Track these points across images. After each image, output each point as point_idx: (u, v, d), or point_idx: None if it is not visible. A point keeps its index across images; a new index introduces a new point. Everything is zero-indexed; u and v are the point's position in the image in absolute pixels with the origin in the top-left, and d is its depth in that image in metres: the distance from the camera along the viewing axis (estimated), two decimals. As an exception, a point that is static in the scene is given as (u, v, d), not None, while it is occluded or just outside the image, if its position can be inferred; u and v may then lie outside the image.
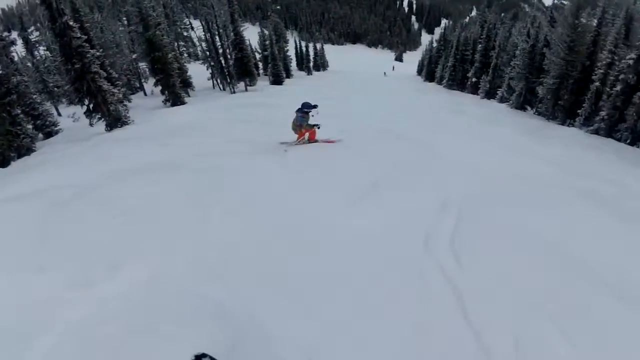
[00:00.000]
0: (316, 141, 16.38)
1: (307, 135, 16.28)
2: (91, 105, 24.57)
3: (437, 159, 14.98)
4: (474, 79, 47.95)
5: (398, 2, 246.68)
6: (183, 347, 5.10)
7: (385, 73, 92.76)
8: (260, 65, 65.40)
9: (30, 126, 23.59)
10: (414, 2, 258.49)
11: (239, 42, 45.00)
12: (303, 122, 15.60)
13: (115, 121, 24.89)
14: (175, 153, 15.62)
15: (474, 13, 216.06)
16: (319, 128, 15.93)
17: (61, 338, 5.69)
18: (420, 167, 13.62)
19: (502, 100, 39.56)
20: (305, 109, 15.58)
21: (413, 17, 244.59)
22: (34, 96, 27.69)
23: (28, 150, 20.95)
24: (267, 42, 59.05)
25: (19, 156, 20.27)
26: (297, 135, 16.25)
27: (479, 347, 5.62)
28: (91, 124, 25.54)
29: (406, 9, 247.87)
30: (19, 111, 21.64)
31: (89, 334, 5.68)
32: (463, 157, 15.52)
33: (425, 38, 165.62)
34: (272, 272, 7.14)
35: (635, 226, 10.12)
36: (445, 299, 6.55)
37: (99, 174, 13.29)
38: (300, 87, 51.09)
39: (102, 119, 24.96)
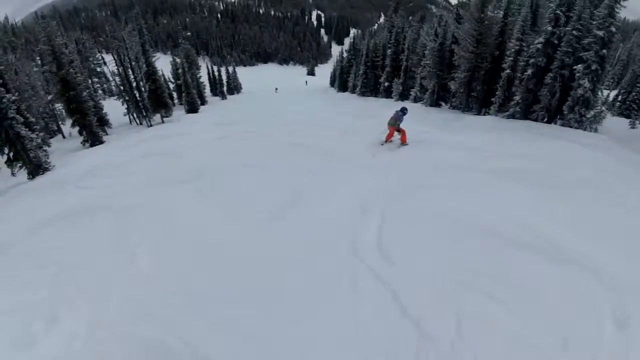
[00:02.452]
0: (407, 144, 18.43)
1: (395, 135, 18.72)
2: (11, 154, 23.96)
3: (348, 164, 15.47)
4: (386, 84, 48.32)
5: (306, 17, 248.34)
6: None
7: (276, 89, 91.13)
8: (175, 94, 64.73)
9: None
10: (322, 15, 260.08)
11: (151, 73, 44.82)
12: (399, 121, 18.21)
13: (36, 168, 24.31)
14: (95, 195, 15.53)
15: (382, 20, 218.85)
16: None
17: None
18: (332, 175, 14.07)
19: (416, 100, 40.15)
20: (405, 111, 18.49)
21: (322, 30, 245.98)
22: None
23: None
24: (180, 71, 57.73)
25: None
26: (385, 136, 18.93)
27: (421, 336, 5.93)
28: (13, 174, 24.79)
29: (315, 22, 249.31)
30: None
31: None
32: (375, 159, 16.16)
33: (336, 49, 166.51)
34: (201, 300, 7.35)
35: (547, 192, 10.95)
36: (381, 298, 6.85)
37: (22, 227, 13.05)
38: (215, 112, 50.87)
39: (24, 168, 24.33)
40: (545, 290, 6.58)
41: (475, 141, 18.51)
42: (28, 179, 23.97)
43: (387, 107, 33.13)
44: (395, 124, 18.17)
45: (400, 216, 9.90)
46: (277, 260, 8.40)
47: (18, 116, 23.62)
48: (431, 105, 36.30)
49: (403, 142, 18.42)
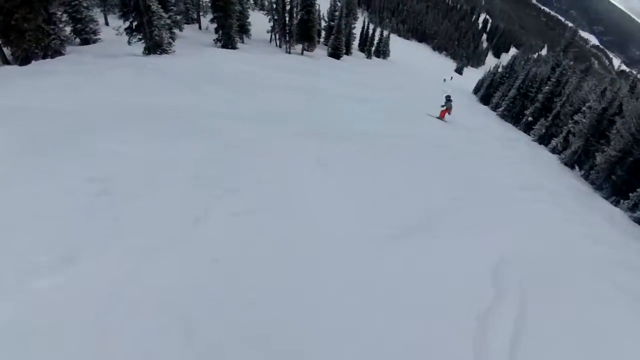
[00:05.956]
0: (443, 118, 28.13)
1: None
2: (134, 24, 23.88)
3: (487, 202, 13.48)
4: (530, 118, 46.35)
5: (474, 17, 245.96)
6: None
7: (445, 80, 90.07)
8: (323, 34, 65.65)
9: (68, 29, 23.24)
10: (490, 21, 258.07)
11: (308, 4, 44.85)
12: (448, 105, 27.89)
13: (154, 46, 24.26)
14: (202, 101, 15.46)
15: (544, 52, 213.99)
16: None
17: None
18: (465, 213, 11.75)
19: (554, 151, 37.79)
20: (450, 99, 28.14)
21: (484, 36, 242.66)
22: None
23: (55, 53, 20.18)
24: (337, 13, 58.22)
25: (44, 56, 19.60)
26: (440, 113, 28.11)
27: None
28: (129, 43, 24.84)
29: (480, 25, 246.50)
30: (61, 11, 21.06)
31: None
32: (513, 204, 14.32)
33: (490, 60, 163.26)
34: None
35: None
36: None
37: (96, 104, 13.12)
38: (356, 68, 49.49)
39: (142, 42, 24.29)
40: None
41: (604, 232, 16.49)
42: (143, 53, 24.08)
43: (529, 146, 35.59)
44: (448, 106, 28.00)
45: (544, 315, 7.34)
46: (388, 297, 6.74)
47: (154, -10, 23.74)
48: (566, 164, 34.18)
49: (441, 117, 27.68)
